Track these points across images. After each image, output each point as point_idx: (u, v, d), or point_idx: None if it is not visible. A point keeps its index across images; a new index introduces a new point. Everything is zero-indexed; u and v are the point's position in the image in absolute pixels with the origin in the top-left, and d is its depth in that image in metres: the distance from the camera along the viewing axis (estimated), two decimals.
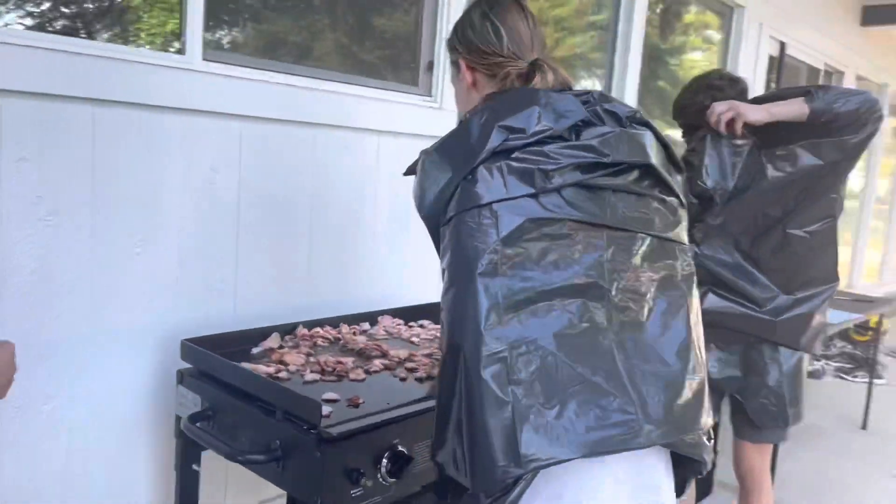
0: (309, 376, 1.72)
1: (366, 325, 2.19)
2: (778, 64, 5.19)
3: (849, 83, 6.48)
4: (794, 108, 2.02)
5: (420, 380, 1.78)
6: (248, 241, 2.09)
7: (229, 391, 1.65)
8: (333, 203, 2.30)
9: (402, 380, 1.78)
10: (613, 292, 1.22)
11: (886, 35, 7.10)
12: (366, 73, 2.40)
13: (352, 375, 1.75)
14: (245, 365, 1.71)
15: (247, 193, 2.06)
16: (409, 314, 2.34)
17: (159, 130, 1.85)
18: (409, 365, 1.87)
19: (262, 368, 1.72)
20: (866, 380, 4.63)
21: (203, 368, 1.74)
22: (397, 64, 2.57)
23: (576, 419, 1.14)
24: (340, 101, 2.25)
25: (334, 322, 2.14)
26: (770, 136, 2.06)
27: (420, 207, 1.31)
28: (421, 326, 2.28)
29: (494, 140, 1.24)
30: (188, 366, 1.79)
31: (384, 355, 1.90)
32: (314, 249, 2.26)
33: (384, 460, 1.47)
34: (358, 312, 2.23)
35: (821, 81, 6.02)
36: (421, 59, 2.57)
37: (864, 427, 4.37)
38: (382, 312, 2.29)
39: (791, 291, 2.15)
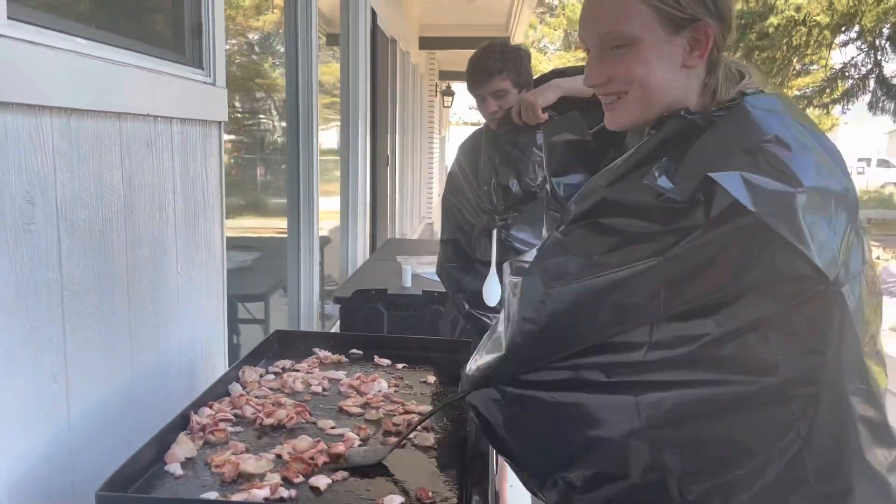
0: (319, 481, 1.19)
1: (237, 388, 1.60)
2: (373, 40, 5.34)
3: None
4: (580, 82, 2.12)
5: (412, 442, 1.39)
6: (75, 304, 1.32)
7: None
8: (143, 227, 1.60)
9: (402, 446, 1.37)
10: None
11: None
12: (130, 36, 1.69)
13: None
14: (238, 498, 1.10)
15: (67, 231, 1.29)
16: (254, 360, 1.79)
17: None
18: (366, 424, 1.45)
19: (258, 493, 1.13)
20: None
21: None
22: (155, 24, 1.88)
23: None
24: (140, 80, 1.56)
25: (215, 394, 1.52)
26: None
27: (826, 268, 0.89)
28: (283, 370, 1.77)
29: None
30: None
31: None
32: (133, 297, 1.55)
33: None
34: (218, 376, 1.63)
35: (390, 54, 6.43)
36: (185, 19, 1.92)
37: None
38: (238, 364, 1.70)
39: None
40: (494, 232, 2.04)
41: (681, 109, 1.02)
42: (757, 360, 0.91)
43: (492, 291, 1.99)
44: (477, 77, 2.16)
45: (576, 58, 26.28)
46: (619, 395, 0.96)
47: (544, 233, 2.14)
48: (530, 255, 1.08)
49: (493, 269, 2.01)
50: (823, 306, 0.90)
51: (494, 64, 2.13)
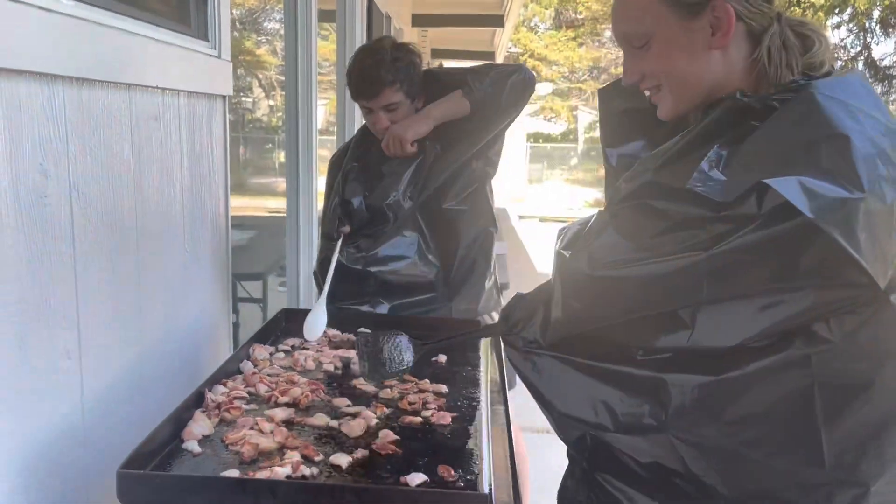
0: (340, 459, 1.17)
1: (249, 366, 1.58)
2: (368, 17, 5.27)
3: None
4: (453, 106, 1.96)
5: (430, 422, 1.38)
6: (88, 280, 1.30)
7: None
8: (152, 201, 1.57)
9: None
10: None
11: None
12: (137, 5, 1.65)
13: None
14: (263, 476, 1.09)
15: (80, 204, 1.26)
16: (262, 338, 1.77)
17: None
18: (381, 403, 1.43)
19: (280, 471, 1.11)
20: None
21: None
22: None
23: None
24: (149, 51, 1.52)
25: (228, 371, 1.50)
26: (452, 142, 1.99)
27: None
28: (292, 348, 1.75)
29: None
30: None
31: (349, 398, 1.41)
32: (142, 273, 1.52)
33: None
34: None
35: (385, 30, 6.34)
36: None
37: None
38: (248, 342, 1.68)
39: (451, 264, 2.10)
40: (334, 258, 1.86)
41: (736, 91, 0.97)
42: (797, 357, 0.90)
43: (313, 324, 1.73)
44: (366, 88, 1.93)
45: (566, 37, 26.21)
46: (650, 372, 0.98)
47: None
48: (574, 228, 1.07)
49: (322, 298, 1.79)
50: (874, 315, 0.89)
51: (386, 75, 1.89)
